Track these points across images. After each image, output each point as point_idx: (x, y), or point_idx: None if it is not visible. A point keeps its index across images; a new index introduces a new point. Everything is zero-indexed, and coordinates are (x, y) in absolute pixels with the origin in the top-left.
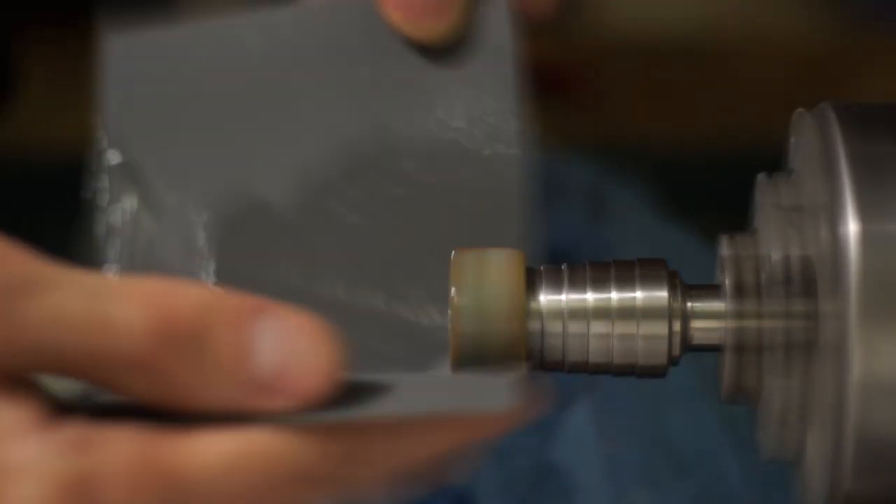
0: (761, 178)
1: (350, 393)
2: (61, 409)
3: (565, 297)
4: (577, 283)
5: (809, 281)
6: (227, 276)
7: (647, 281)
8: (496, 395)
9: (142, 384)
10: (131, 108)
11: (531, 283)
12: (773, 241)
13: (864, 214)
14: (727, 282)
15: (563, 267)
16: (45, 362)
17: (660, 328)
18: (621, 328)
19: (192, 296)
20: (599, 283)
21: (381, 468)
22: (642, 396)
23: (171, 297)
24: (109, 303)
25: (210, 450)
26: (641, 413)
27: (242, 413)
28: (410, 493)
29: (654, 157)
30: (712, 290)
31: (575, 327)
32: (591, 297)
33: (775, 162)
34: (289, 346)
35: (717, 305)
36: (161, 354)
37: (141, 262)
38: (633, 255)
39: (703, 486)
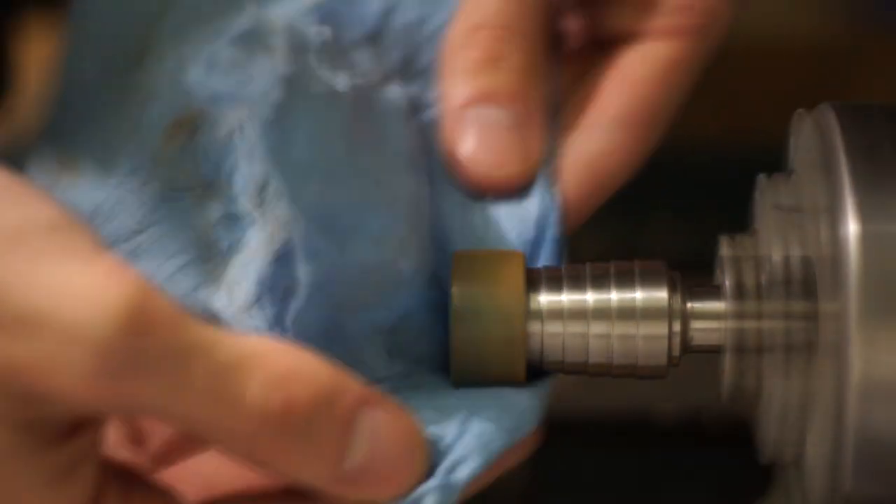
0: (761, 178)
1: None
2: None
3: (565, 298)
4: (576, 284)
5: (809, 281)
6: None
7: (647, 281)
8: (532, 417)
9: (241, 452)
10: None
11: (531, 284)
12: (773, 242)
13: (864, 214)
14: (727, 282)
15: (562, 267)
16: (158, 416)
17: (660, 328)
18: (621, 328)
19: (313, 382)
20: (599, 284)
21: None
22: None
23: (296, 381)
24: (242, 379)
25: None
26: None
27: (327, 493)
28: None
29: (654, 157)
30: (712, 290)
31: (575, 328)
32: (590, 297)
33: (775, 162)
34: (383, 449)
35: (717, 306)
36: (272, 435)
37: None
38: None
39: None
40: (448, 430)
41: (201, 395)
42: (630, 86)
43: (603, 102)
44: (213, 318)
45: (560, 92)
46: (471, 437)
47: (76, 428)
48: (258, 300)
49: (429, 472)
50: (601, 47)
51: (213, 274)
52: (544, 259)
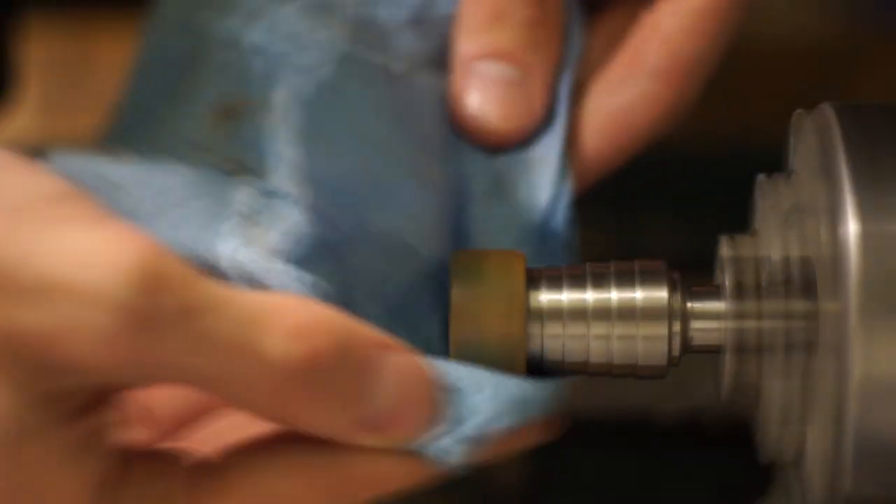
0: (761, 178)
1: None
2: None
3: (565, 298)
4: (576, 284)
5: (809, 281)
6: None
7: (647, 281)
8: (553, 400)
9: (264, 407)
10: None
11: (531, 284)
12: (773, 242)
13: (864, 214)
14: (727, 282)
15: (562, 267)
16: (179, 378)
17: (660, 329)
18: (621, 329)
19: (333, 331)
20: (599, 284)
21: None
22: None
23: (316, 331)
24: (262, 332)
25: None
26: None
27: (343, 440)
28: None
29: (654, 157)
30: (712, 290)
31: (575, 328)
32: (590, 297)
33: (775, 162)
34: (403, 391)
35: (717, 306)
36: (296, 387)
37: None
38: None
39: None
40: (467, 386)
41: (222, 351)
42: (663, 38)
43: (635, 56)
44: (245, 278)
45: (591, 47)
46: (490, 397)
47: (94, 401)
48: (285, 256)
49: (448, 420)
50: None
51: (249, 241)
52: (552, 251)
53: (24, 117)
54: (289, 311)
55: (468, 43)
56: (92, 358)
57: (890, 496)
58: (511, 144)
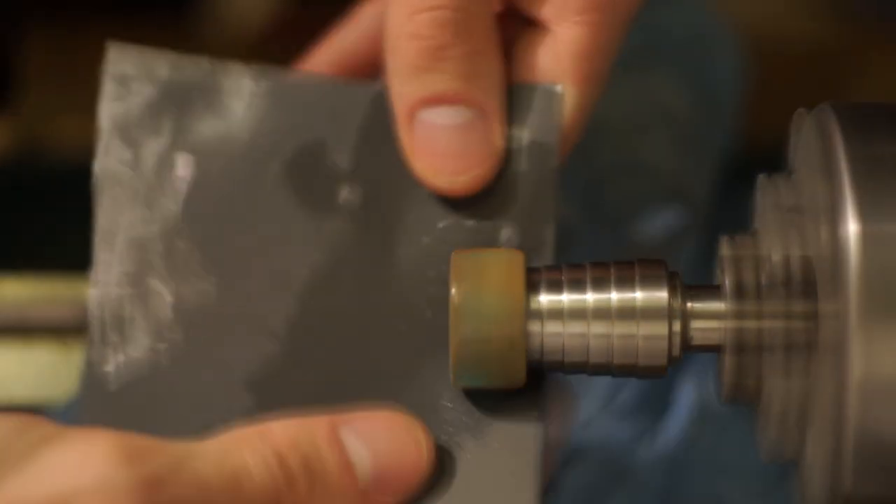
0: (761, 178)
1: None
2: None
3: (565, 298)
4: (577, 284)
5: (809, 281)
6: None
7: (647, 281)
8: (529, 458)
9: None
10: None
11: (531, 284)
12: (773, 242)
13: (864, 214)
14: (727, 282)
15: (562, 267)
16: None
17: (660, 328)
18: (621, 328)
19: (285, 431)
20: (599, 284)
21: None
22: None
23: (274, 438)
24: (236, 465)
25: None
26: None
27: None
28: None
29: None
30: (712, 290)
31: (575, 328)
32: (591, 297)
33: (775, 162)
34: (378, 445)
35: (716, 306)
36: (285, 492)
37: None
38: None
39: None
40: None
41: (218, 490)
42: (566, 41)
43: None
44: None
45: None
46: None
47: None
48: None
49: None
50: (513, 30)
51: None
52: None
53: (25, 117)
54: (247, 436)
55: (407, 88)
56: None
57: (890, 496)
58: (478, 189)
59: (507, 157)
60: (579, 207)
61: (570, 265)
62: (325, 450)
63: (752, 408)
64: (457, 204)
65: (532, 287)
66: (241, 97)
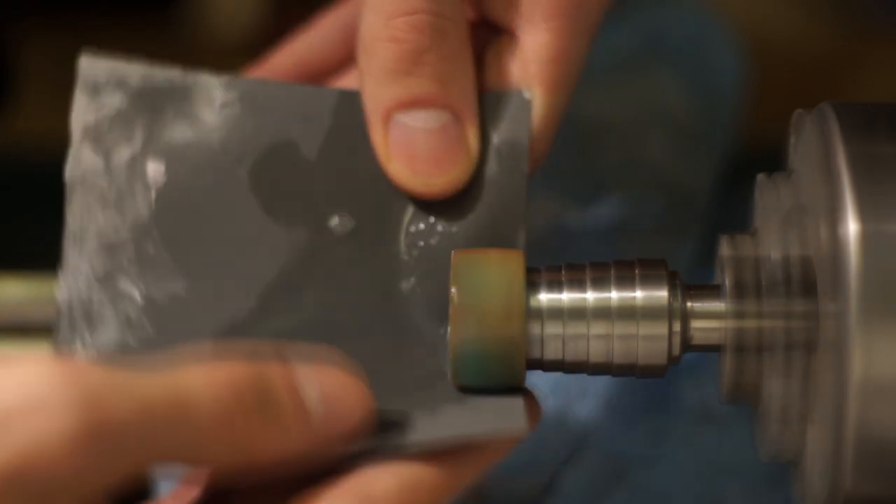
0: (761, 178)
1: (385, 426)
2: None
3: (565, 297)
4: (577, 283)
5: (809, 281)
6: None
7: (647, 281)
8: (516, 417)
9: (226, 451)
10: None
11: (531, 284)
12: (773, 242)
13: (864, 214)
14: (727, 282)
15: (562, 267)
16: (139, 463)
17: (660, 328)
18: (621, 328)
19: (240, 366)
20: (599, 283)
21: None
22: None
23: (228, 370)
24: (181, 382)
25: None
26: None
27: (311, 458)
28: None
29: None
30: (712, 290)
31: (575, 327)
32: (591, 297)
33: (775, 162)
34: (327, 389)
35: (716, 305)
36: (238, 423)
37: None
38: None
39: None
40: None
41: (163, 412)
42: (533, 45)
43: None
44: None
45: None
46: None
47: None
48: None
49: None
50: (483, 36)
51: None
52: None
53: (25, 117)
54: (198, 365)
55: (384, 91)
56: (68, 462)
57: (890, 496)
58: (453, 192)
59: (479, 161)
60: (579, 208)
61: (570, 265)
62: (278, 384)
63: (752, 408)
64: (429, 206)
65: (532, 287)
66: (211, 105)
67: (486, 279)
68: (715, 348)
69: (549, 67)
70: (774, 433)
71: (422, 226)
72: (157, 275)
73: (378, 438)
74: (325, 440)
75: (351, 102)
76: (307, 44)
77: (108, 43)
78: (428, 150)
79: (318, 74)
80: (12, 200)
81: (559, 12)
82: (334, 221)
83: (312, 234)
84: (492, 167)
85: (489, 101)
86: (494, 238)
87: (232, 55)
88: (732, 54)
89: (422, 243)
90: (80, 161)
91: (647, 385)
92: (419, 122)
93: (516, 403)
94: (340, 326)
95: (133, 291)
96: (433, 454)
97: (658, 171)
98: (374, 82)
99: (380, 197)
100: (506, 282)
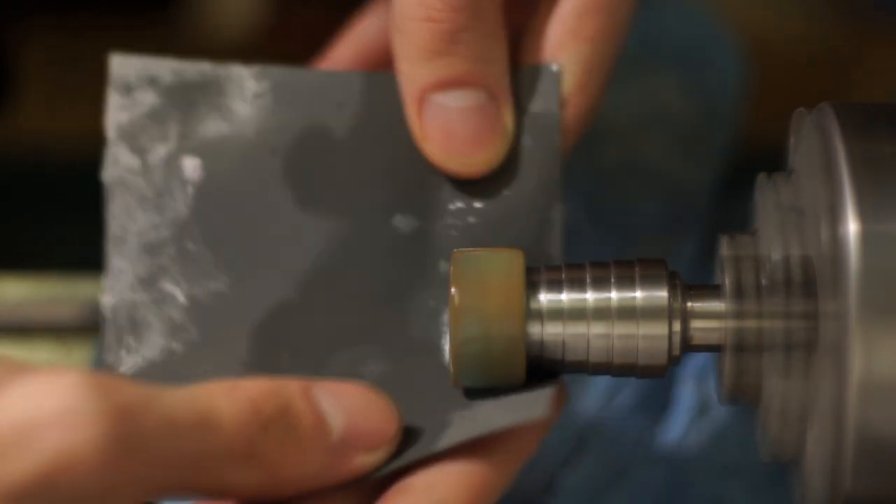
0: (761, 177)
1: (413, 435)
2: None
3: (565, 297)
4: (577, 283)
5: (809, 281)
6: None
7: (647, 281)
8: (540, 405)
9: (247, 475)
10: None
11: (531, 284)
12: (773, 241)
13: (864, 214)
14: (727, 282)
15: (562, 267)
16: (165, 482)
17: (660, 328)
18: (621, 328)
19: (260, 384)
20: (599, 284)
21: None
22: None
23: (248, 388)
24: (205, 397)
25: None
26: None
27: (334, 481)
28: None
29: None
30: (712, 290)
31: (575, 327)
32: (591, 297)
33: (775, 162)
34: (349, 405)
35: (716, 305)
36: (258, 439)
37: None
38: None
39: None
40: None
41: (189, 428)
42: (560, 22)
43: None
44: None
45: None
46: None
47: None
48: None
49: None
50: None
51: None
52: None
53: (25, 117)
54: (220, 385)
55: (420, 71)
56: (97, 472)
57: (890, 496)
58: (490, 171)
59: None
60: (580, 208)
61: (570, 265)
62: (298, 402)
63: (752, 407)
64: (466, 185)
65: (532, 287)
66: (243, 97)
67: (486, 279)
68: (715, 348)
69: (584, 19)
70: (774, 433)
71: (460, 204)
72: (198, 272)
73: (406, 447)
74: (346, 455)
75: (379, 84)
76: (364, 32)
77: (109, 43)
78: (464, 129)
79: (381, 61)
80: (12, 200)
81: None
82: (374, 205)
83: (350, 219)
84: (526, 142)
85: (519, 76)
86: (531, 213)
87: (232, 55)
88: (732, 55)
89: (460, 222)
90: (118, 162)
91: (647, 385)
92: (455, 101)
93: (541, 394)
94: (380, 309)
95: (176, 292)
96: (479, 450)
97: (658, 172)
98: (409, 63)
99: (417, 176)
100: (506, 282)
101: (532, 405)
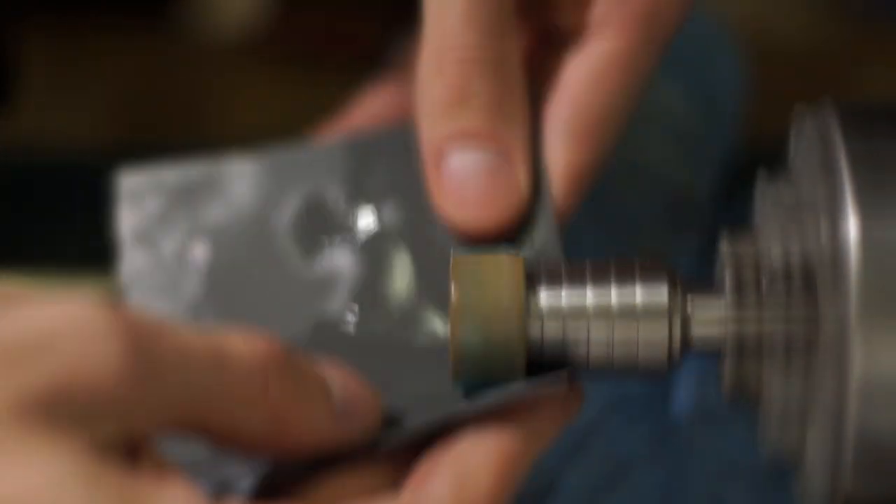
0: (761, 177)
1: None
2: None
3: (565, 297)
4: (576, 283)
5: (810, 281)
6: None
7: (648, 280)
8: (554, 380)
9: (256, 419)
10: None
11: (531, 284)
12: (774, 241)
13: (864, 214)
14: (727, 281)
15: (562, 266)
16: (178, 412)
17: (660, 328)
18: (621, 328)
19: (272, 338)
20: (599, 283)
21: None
22: None
23: (262, 337)
24: (222, 341)
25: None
26: None
27: (335, 446)
28: None
29: None
30: (712, 290)
31: (575, 327)
32: (591, 296)
33: (775, 161)
34: (341, 379)
35: (717, 305)
36: (271, 384)
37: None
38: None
39: None
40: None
41: (205, 359)
42: (568, 92)
43: (544, 113)
44: None
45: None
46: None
47: (133, 452)
48: None
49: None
50: (551, 47)
51: None
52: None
53: (25, 117)
54: (231, 331)
55: (434, 128)
56: (112, 389)
57: (890, 496)
58: (497, 235)
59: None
60: (580, 209)
61: (569, 264)
62: (305, 363)
63: (752, 408)
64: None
65: (532, 287)
66: (243, 178)
67: (486, 279)
68: (715, 348)
69: (582, 118)
70: (775, 433)
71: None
72: None
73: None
74: (345, 421)
75: (369, 149)
76: (374, 101)
77: (108, 43)
78: (477, 193)
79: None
80: (12, 200)
81: (636, 18)
82: (379, 225)
83: (356, 252)
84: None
85: None
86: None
87: (232, 55)
88: (733, 55)
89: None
90: (133, 262)
91: (647, 385)
92: (468, 163)
93: (556, 374)
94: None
95: None
96: (507, 423)
97: (658, 172)
98: (427, 121)
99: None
100: (505, 282)
101: (548, 381)
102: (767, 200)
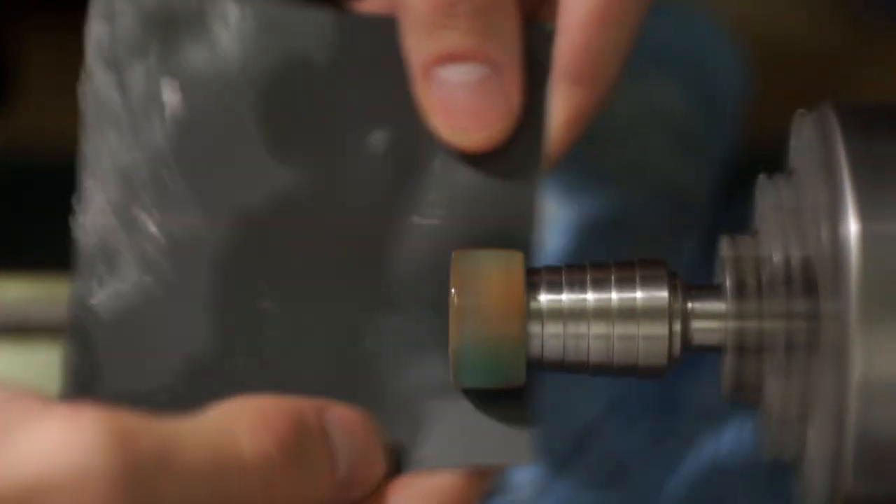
0: (762, 178)
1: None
2: None
3: (565, 298)
4: (577, 284)
5: (810, 281)
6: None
7: (648, 281)
8: (521, 450)
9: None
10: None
11: (531, 284)
12: (774, 242)
13: (865, 214)
14: (727, 282)
15: (562, 267)
16: None
17: (660, 328)
18: (621, 328)
19: (282, 410)
20: (600, 284)
21: None
22: None
23: (273, 417)
24: (227, 444)
25: None
26: None
27: None
28: None
29: None
30: (713, 290)
31: (575, 328)
32: (591, 297)
33: (776, 162)
34: (352, 444)
35: (717, 306)
36: (276, 481)
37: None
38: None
39: None
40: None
41: (210, 472)
42: (566, 31)
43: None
44: None
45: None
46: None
47: None
48: None
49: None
50: None
51: None
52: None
53: (25, 117)
54: (243, 413)
55: (421, 45)
56: None
57: (890, 496)
58: (491, 148)
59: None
60: (580, 208)
61: (570, 265)
62: (315, 436)
63: (752, 408)
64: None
65: (532, 287)
66: (226, 24)
67: (486, 279)
68: (715, 348)
69: (581, 59)
70: (775, 433)
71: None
72: (171, 203)
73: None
74: (348, 491)
75: (361, 24)
76: None
77: None
78: (467, 105)
79: None
80: (12, 200)
81: None
82: (367, 139)
83: (334, 155)
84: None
85: None
86: (508, 169)
87: None
88: (733, 56)
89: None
90: (94, 79)
91: (647, 385)
92: (457, 75)
93: (522, 437)
94: (357, 257)
95: (148, 221)
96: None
97: (659, 173)
98: (412, 37)
99: (406, 117)
100: (506, 282)
101: (514, 450)
102: (767, 201)
